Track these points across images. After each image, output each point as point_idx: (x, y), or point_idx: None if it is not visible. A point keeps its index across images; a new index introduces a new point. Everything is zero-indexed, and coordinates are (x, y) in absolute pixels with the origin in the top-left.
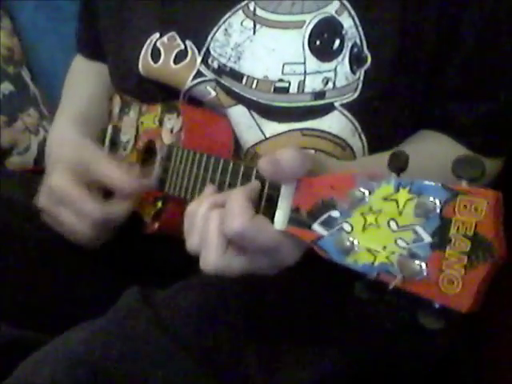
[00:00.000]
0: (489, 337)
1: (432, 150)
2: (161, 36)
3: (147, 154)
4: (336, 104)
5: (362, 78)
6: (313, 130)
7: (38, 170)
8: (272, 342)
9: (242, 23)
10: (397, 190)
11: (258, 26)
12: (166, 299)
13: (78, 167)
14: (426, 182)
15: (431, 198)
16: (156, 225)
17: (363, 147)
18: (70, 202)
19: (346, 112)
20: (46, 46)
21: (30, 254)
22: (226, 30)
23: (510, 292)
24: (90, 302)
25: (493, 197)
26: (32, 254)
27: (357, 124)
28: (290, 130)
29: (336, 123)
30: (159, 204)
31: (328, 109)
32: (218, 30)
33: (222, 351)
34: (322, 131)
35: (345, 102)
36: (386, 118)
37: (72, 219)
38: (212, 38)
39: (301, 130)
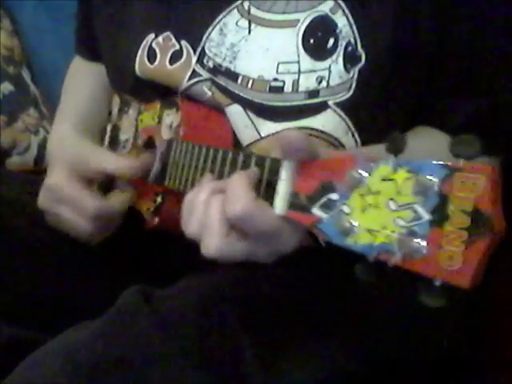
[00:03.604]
0: (489, 336)
1: (427, 145)
2: (156, 36)
3: (147, 151)
4: (330, 103)
5: (355, 77)
6: (306, 128)
7: (38, 170)
8: (272, 341)
9: (237, 23)
10: (395, 169)
11: (253, 26)
12: (166, 299)
13: (76, 164)
14: (424, 161)
15: (429, 176)
16: (156, 220)
17: (356, 146)
18: (68, 199)
19: (339, 111)
20: (46, 45)
21: (30, 253)
22: (221, 29)
23: (509, 293)
24: (89, 301)
25: (490, 172)
26: (32, 253)
27: (350, 123)
28: (284, 129)
29: (329, 122)
30: (159, 199)
31: (321, 107)
32: (213, 29)
33: (222, 351)
34: (316, 130)
35: (338, 100)
36: (380, 117)
37: (72, 216)
38: (207, 38)
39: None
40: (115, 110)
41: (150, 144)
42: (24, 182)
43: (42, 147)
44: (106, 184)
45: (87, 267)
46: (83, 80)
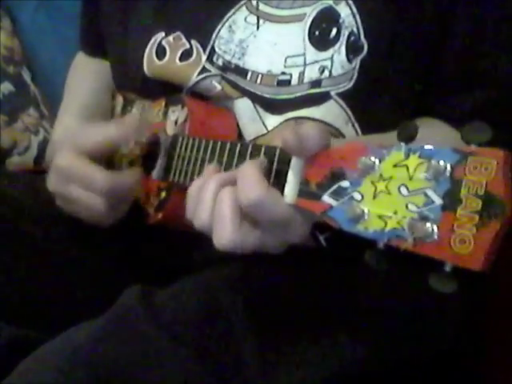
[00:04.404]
0: (489, 340)
1: (432, 135)
2: (166, 35)
3: (150, 147)
4: (332, 93)
5: (357, 67)
6: (307, 118)
7: (38, 170)
8: (274, 341)
9: (245, 19)
10: (407, 156)
11: (261, 22)
12: (166, 299)
13: (80, 140)
14: (436, 147)
15: (441, 162)
16: (160, 215)
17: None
18: (78, 177)
19: (340, 101)
20: (46, 45)
21: (30, 253)
22: (230, 26)
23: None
24: (90, 301)
25: (502, 156)
26: (32, 253)
27: (350, 113)
28: (286, 120)
29: (330, 112)
30: (163, 194)
31: (324, 98)
32: (222, 27)
33: (223, 351)
34: (316, 120)
35: (340, 91)
36: (380, 107)
37: (83, 194)
38: (217, 36)
39: (295, 118)
40: (118, 109)
41: (153, 140)
42: (25, 181)
43: (42, 147)
44: (110, 163)
45: (88, 267)
46: (86, 76)
